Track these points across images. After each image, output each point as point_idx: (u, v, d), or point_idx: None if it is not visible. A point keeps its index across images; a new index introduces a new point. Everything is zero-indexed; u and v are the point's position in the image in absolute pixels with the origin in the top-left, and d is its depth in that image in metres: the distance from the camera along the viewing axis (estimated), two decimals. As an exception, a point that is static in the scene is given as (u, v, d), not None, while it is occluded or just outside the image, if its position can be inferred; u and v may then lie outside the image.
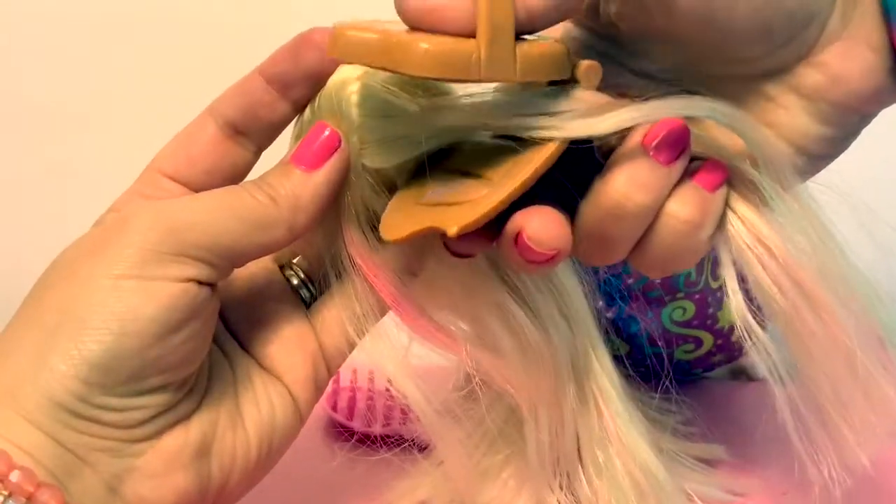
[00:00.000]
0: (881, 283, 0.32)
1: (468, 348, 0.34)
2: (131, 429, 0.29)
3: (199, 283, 0.30)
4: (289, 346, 0.34)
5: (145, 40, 0.62)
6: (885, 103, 0.31)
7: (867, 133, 0.32)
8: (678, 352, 0.50)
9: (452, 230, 0.29)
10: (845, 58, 0.30)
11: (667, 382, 0.42)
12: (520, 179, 0.29)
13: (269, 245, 0.32)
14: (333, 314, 0.35)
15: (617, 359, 0.49)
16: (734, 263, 0.32)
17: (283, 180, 0.32)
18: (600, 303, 0.47)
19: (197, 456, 0.31)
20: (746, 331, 0.32)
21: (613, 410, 0.37)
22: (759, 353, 0.32)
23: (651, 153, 0.29)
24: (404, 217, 0.31)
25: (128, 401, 0.29)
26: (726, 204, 0.31)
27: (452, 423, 0.36)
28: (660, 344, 0.49)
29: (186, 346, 0.30)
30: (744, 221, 0.31)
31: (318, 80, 0.33)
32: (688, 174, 0.31)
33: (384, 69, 0.29)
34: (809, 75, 0.30)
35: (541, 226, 0.29)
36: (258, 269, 0.36)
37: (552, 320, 0.35)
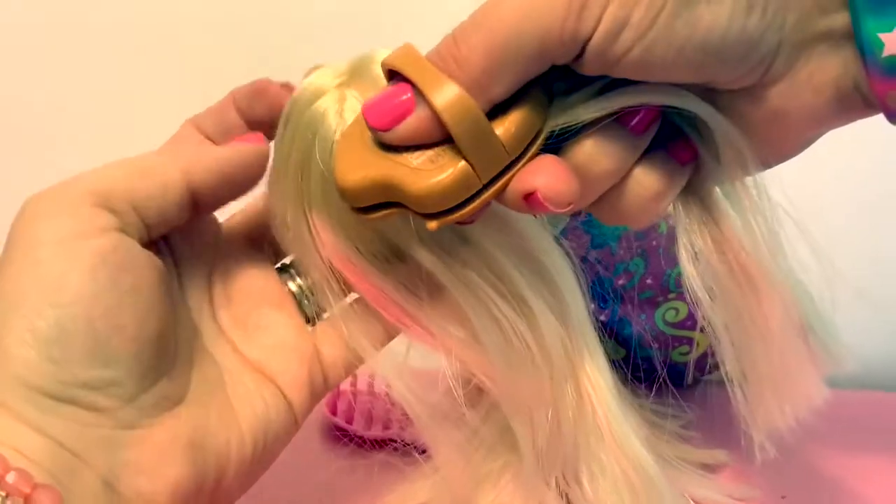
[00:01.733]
0: (810, 282, 0.35)
1: (461, 351, 0.35)
2: (115, 411, 0.29)
3: (119, 232, 0.30)
4: (283, 350, 0.35)
5: (146, 48, 0.62)
6: (825, 131, 0.32)
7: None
8: (674, 354, 0.50)
9: (432, 224, 0.30)
10: (786, 97, 0.30)
11: (664, 386, 0.42)
12: (497, 185, 0.30)
13: (159, 191, 0.32)
14: (333, 326, 0.36)
15: (613, 363, 0.49)
16: (687, 238, 0.34)
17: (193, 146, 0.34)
18: (592, 305, 0.47)
19: (189, 448, 0.31)
20: (692, 293, 0.35)
21: (606, 408, 0.37)
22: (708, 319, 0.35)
23: (623, 121, 0.31)
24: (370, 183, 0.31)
25: (99, 372, 0.29)
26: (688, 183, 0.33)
27: (450, 427, 0.36)
28: (654, 346, 0.49)
29: (131, 302, 0.30)
30: (701, 201, 0.33)
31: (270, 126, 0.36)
32: (661, 144, 0.32)
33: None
34: (750, 108, 0.31)
35: (551, 181, 0.30)
36: (256, 274, 0.36)
37: (546, 320, 0.35)
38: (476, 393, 0.36)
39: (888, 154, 0.58)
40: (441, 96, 0.28)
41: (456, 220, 0.30)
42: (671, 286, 0.48)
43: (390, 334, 0.36)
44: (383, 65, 0.31)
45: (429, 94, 0.28)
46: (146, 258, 0.31)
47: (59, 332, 0.28)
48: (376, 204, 0.31)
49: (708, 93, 0.31)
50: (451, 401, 0.36)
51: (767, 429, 0.36)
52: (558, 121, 0.30)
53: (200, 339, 0.34)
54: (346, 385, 0.51)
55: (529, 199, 0.30)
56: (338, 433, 0.47)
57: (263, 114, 0.35)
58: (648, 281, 0.47)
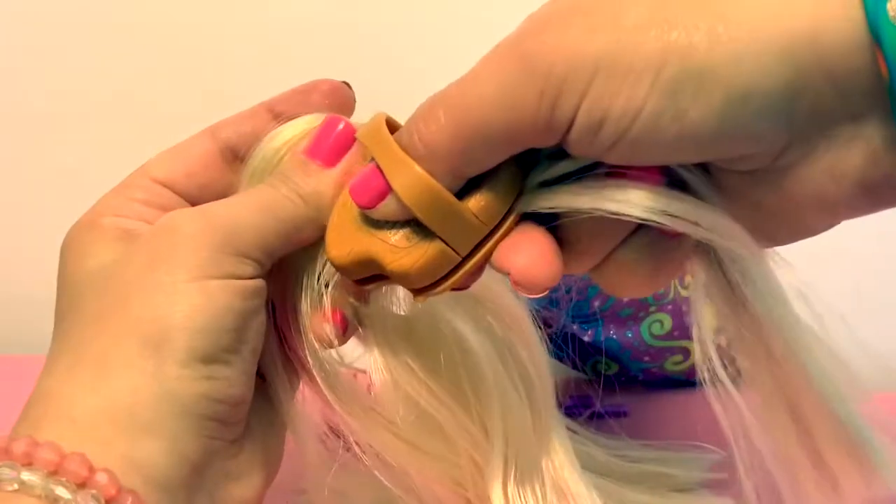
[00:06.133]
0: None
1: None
2: (233, 426, 0.30)
3: (259, 277, 0.31)
4: None
5: (146, 49, 0.63)
6: (851, 218, 0.28)
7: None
8: (668, 364, 0.50)
9: (419, 299, 0.30)
10: (802, 185, 0.26)
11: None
12: (481, 252, 0.29)
13: (302, 243, 0.32)
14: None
15: (608, 378, 0.49)
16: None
17: (306, 178, 0.32)
18: (575, 326, 0.47)
19: (264, 457, 0.32)
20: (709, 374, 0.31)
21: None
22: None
23: None
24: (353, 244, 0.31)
25: (245, 392, 0.30)
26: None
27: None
28: (646, 359, 0.49)
29: (260, 333, 0.31)
30: (721, 267, 0.30)
31: None
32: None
33: None
34: (760, 192, 0.28)
35: (528, 264, 0.28)
36: None
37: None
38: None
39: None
40: (400, 181, 0.28)
41: (443, 291, 0.30)
42: (649, 300, 0.48)
43: None
44: (357, 138, 0.31)
45: (389, 178, 0.28)
46: (267, 291, 0.32)
47: (223, 354, 0.29)
48: (371, 276, 0.31)
49: (711, 169, 0.28)
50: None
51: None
52: (544, 177, 0.29)
53: None
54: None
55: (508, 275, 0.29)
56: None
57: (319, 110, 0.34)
58: (625, 299, 0.47)
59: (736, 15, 0.25)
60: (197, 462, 0.29)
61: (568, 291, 0.45)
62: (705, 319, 0.31)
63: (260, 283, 0.31)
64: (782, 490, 0.32)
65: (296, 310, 0.33)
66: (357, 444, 0.34)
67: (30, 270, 0.63)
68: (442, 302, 0.34)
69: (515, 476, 0.34)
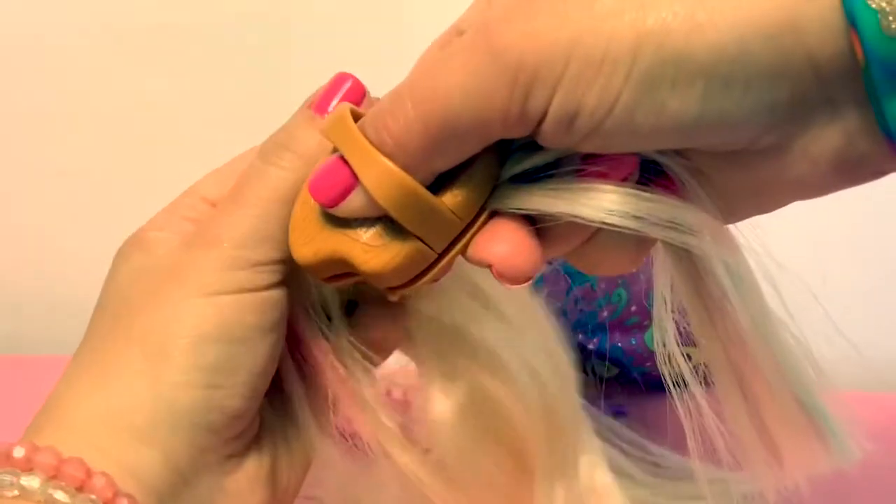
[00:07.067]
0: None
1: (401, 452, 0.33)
2: (229, 440, 0.30)
3: (278, 285, 0.30)
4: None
5: (146, 49, 0.63)
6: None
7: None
8: None
9: (393, 297, 0.30)
10: (777, 167, 0.26)
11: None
12: (457, 247, 0.28)
13: None
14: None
15: (607, 380, 0.49)
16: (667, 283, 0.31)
17: (312, 132, 0.30)
18: (580, 336, 0.48)
19: (269, 476, 0.32)
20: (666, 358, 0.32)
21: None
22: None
23: (586, 177, 0.27)
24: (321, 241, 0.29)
25: (247, 404, 0.30)
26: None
27: None
28: (648, 364, 0.49)
29: (272, 352, 0.30)
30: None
31: None
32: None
33: None
34: (733, 173, 0.27)
35: (508, 254, 0.27)
36: None
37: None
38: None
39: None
40: (372, 177, 0.26)
41: (418, 287, 0.29)
42: (656, 308, 0.48)
43: None
44: (321, 132, 0.29)
45: (359, 174, 0.27)
46: (287, 300, 0.31)
47: (226, 363, 0.29)
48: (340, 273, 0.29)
49: (682, 150, 0.27)
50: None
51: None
52: (516, 170, 0.28)
53: None
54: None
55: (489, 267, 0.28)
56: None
57: None
58: (633, 308, 0.48)
59: None
60: (186, 472, 0.29)
61: (579, 300, 0.45)
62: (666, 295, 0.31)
63: (277, 295, 0.30)
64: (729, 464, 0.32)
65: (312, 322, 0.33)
66: (370, 447, 0.33)
67: (30, 270, 0.64)
68: (453, 300, 0.34)
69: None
